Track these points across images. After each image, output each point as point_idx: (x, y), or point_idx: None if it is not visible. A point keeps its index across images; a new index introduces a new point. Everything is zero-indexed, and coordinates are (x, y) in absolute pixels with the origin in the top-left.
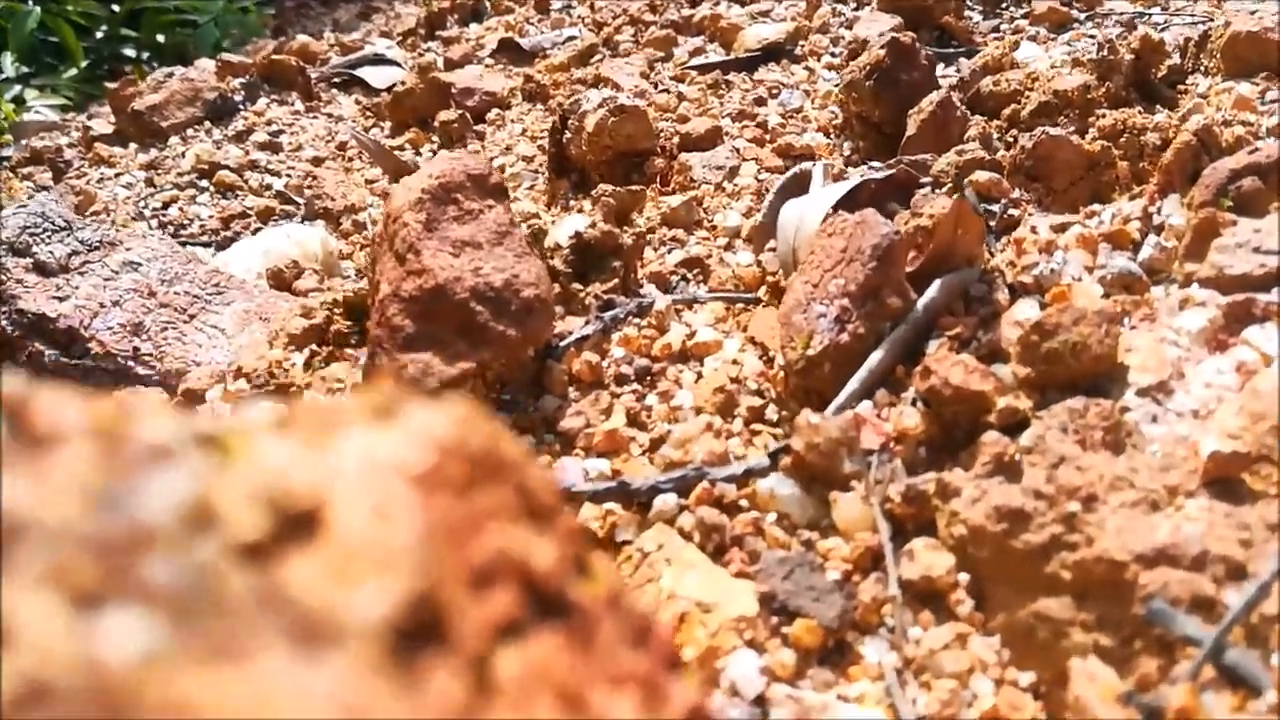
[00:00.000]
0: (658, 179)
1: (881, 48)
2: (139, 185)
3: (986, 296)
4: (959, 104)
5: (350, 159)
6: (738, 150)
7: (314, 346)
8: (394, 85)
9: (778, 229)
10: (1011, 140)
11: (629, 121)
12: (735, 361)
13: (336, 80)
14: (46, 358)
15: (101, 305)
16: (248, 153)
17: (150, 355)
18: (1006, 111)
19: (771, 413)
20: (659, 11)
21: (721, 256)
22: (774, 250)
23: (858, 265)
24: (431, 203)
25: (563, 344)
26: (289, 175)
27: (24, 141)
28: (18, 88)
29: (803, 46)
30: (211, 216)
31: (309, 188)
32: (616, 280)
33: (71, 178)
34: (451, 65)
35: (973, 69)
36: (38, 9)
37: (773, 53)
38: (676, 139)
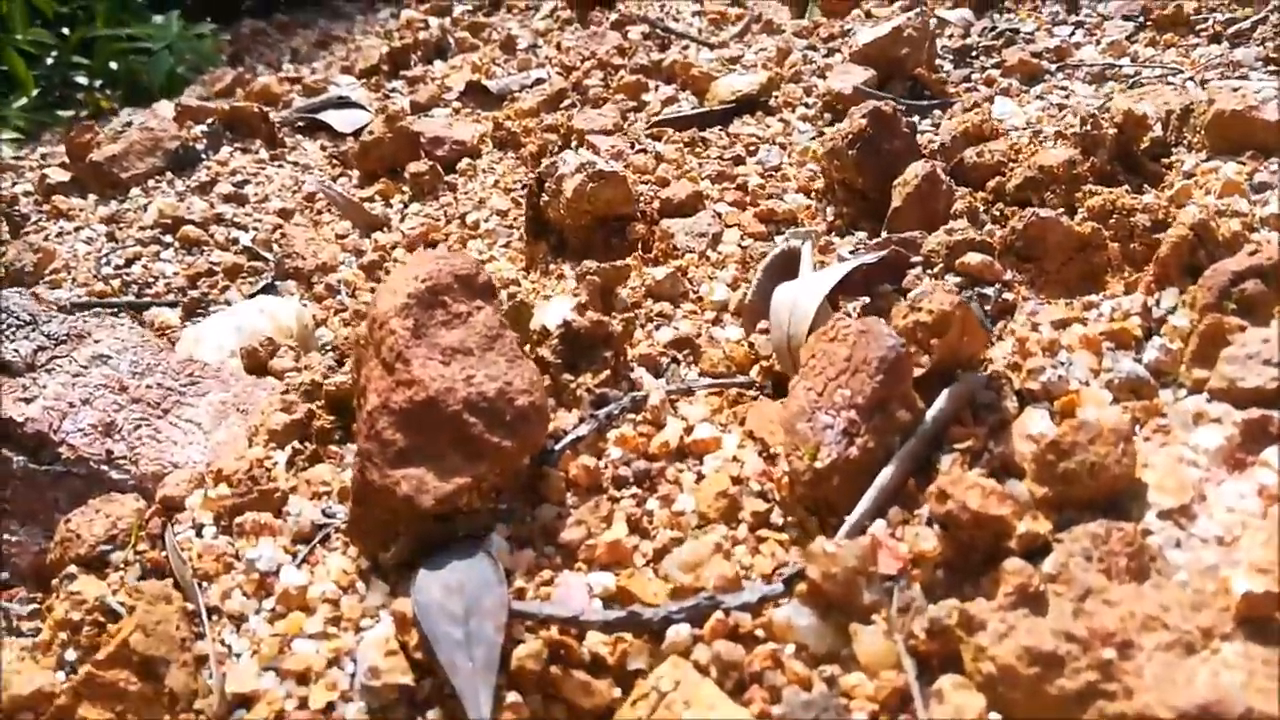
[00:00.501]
0: (639, 246)
1: (863, 116)
2: (100, 240)
3: (995, 404)
4: (944, 176)
5: (319, 211)
6: (719, 215)
7: (296, 444)
8: (360, 130)
9: (771, 313)
10: (999, 215)
11: (608, 187)
12: (735, 459)
13: (300, 124)
14: (15, 464)
15: (71, 405)
16: (212, 205)
17: (124, 458)
18: (991, 184)
19: (777, 517)
20: (628, 55)
21: (710, 334)
22: (765, 332)
23: (864, 377)
24: (418, 307)
25: (558, 446)
26: (256, 229)
27: None
28: None
29: (776, 97)
30: (177, 274)
31: (278, 244)
32: (608, 371)
33: (29, 232)
34: (418, 108)
35: (953, 135)
36: None
37: (746, 104)
38: (657, 204)
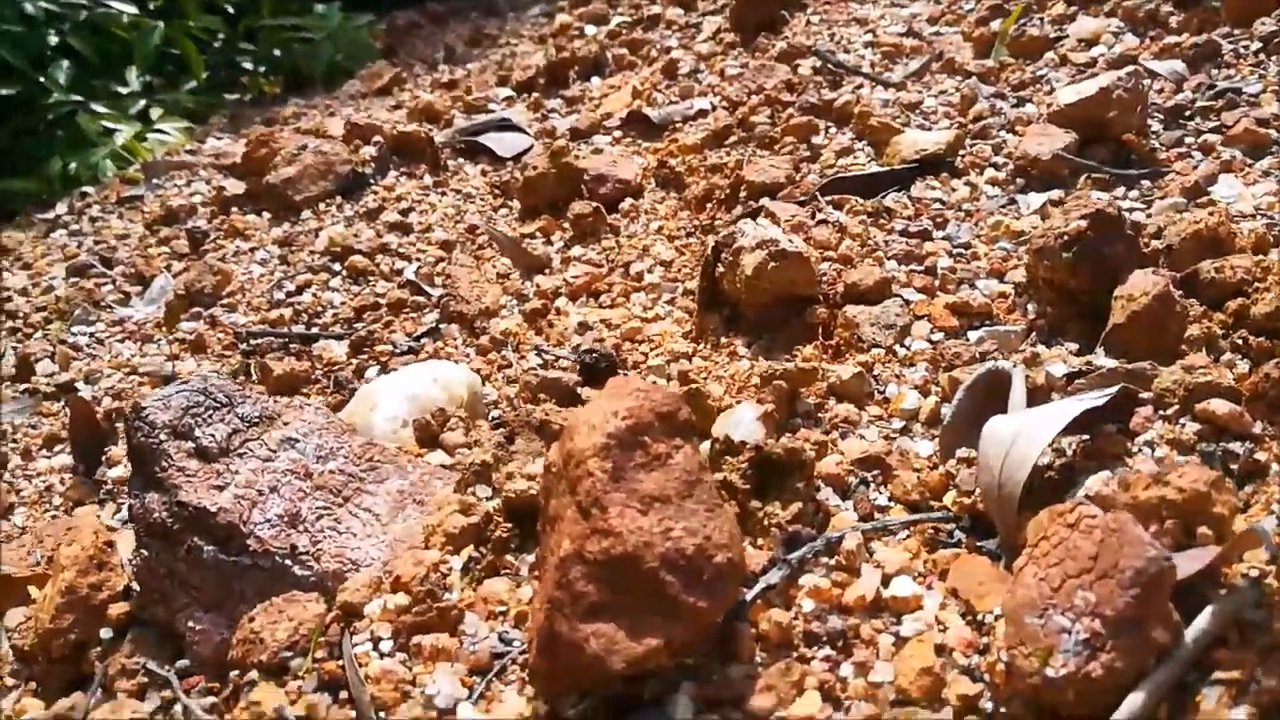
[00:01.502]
0: (820, 330)
1: (1083, 217)
2: (273, 263)
3: (1265, 623)
4: (1177, 297)
5: (480, 246)
6: (908, 304)
7: (472, 550)
8: (520, 155)
9: (980, 450)
10: (1241, 345)
11: (791, 268)
12: (939, 623)
13: (462, 145)
14: (205, 553)
15: (260, 493)
16: (379, 234)
17: (307, 554)
18: (1233, 306)
19: (986, 702)
20: (797, 92)
21: (900, 448)
22: (967, 462)
23: (1114, 586)
24: (618, 449)
25: (749, 596)
26: (419, 260)
27: (154, 181)
28: (142, 102)
29: (962, 156)
30: (344, 304)
31: (441, 280)
32: (799, 505)
33: (208, 250)
34: (578, 135)
35: (1182, 237)
36: (161, 25)
37: (931, 163)
38: (840, 286)
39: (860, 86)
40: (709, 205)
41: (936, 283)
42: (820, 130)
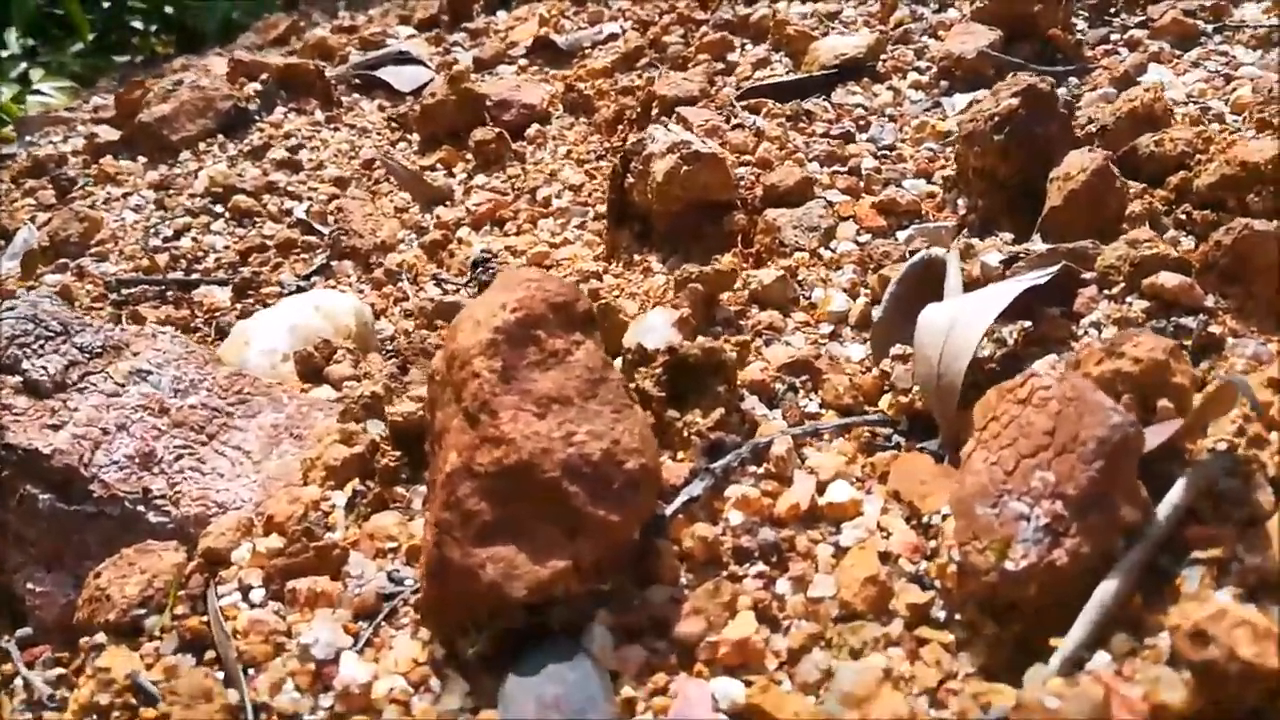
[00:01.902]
0: (739, 238)
1: (1014, 95)
2: (148, 208)
3: (1242, 495)
4: (1115, 171)
5: (377, 180)
6: (831, 205)
7: (357, 483)
8: (420, 89)
9: (916, 341)
10: (1186, 220)
11: (705, 171)
12: (881, 529)
13: (357, 81)
14: (41, 503)
15: (105, 432)
16: (265, 172)
17: (163, 497)
18: (1174, 180)
19: (938, 610)
20: (710, 8)
21: (830, 353)
22: (902, 359)
23: (1075, 461)
24: (507, 345)
25: (669, 510)
26: (311, 199)
27: (28, 138)
28: (23, 65)
29: (884, 61)
30: (228, 248)
31: (334, 217)
32: (721, 411)
33: (76, 198)
34: (482, 65)
35: (1117, 116)
36: None
37: (851, 69)
38: (759, 190)
39: (777, 1)
40: (619, 127)
41: (861, 184)
42: (736, 47)
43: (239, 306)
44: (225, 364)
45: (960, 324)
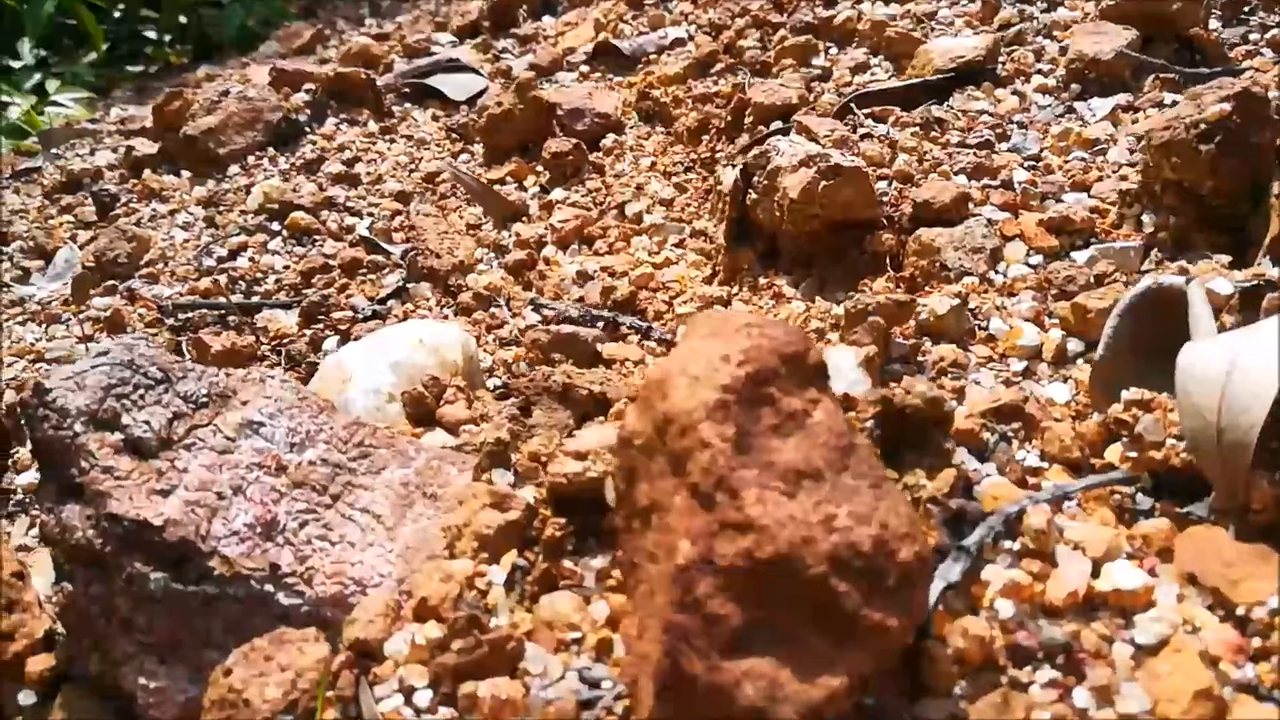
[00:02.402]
0: (886, 261)
1: (1226, 99)
2: (198, 226)
3: None
4: None
5: (442, 195)
6: (993, 224)
7: (515, 556)
8: (475, 98)
9: (1180, 388)
10: None
11: (846, 186)
12: (1186, 623)
13: (406, 90)
14: (152, 583)
15: (220, 497)
16: (321, 187)
17: (293, 574)
18: None
19: None
20: (787, 11)
21: (1034, 395)
22: (1139, 404)
23: None
24: (739, 406)
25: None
26: (372, 215)
27: (54, 151)
28: (37, 76)
29: (1003, 64)
30: (287, 268)
31: (405, 235)
32: (951, 471)
33: (119, 215)
34: (539, 73)
35: None
36: None
37: (968, 73)
38: (907, 208)
39: (860, 2)
40: (705, 137)
41: (1017, 198)
42: (820, 51)
43: (308, 333)
44: (333, 405)
45: (1243, 369)
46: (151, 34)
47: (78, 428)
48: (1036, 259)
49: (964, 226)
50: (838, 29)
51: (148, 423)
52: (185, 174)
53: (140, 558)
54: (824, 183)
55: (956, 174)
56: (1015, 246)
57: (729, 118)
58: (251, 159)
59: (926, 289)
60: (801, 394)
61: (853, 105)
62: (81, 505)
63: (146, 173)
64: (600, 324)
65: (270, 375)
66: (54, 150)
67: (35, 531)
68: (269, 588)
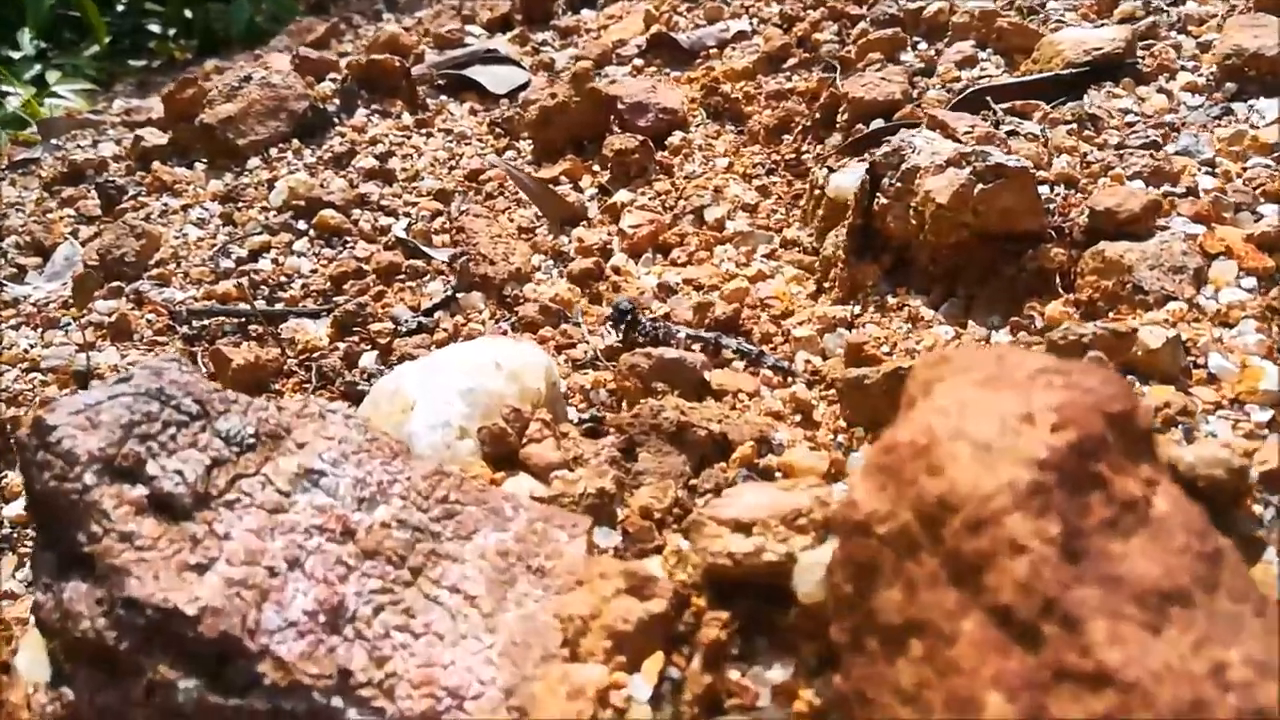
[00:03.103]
0: (1055, 278)
1: None
2: (214, 223)
3: None
4: None
5: (488, 195)
6: (1193, 239)
7: (664, 663)
8: (516, 91)
9: None
10: None
11: (1008, 190)
12: None
13: (441, 81)
14: (182, 694)
15: (272, 573)
16: (353, 183)
17: (369, 682)
18: None
19: None
20: (866, 3)
21: None
22: None
23: None
24: (1061, 490)
25: None
26: (409, 215)
27: (54, 142)
28: (37, 67)
29: (1143, 58)
30: (315, 272)
31: (449, 236)
32: (1271, 567)
33: (127, 209)
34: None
35: None
36: None
37: (1104, 68)
38: (1080, 218)
39: None
40: (786, 137)
41: (1208, 208)
42: (907, 45)
43: (341, 346)
44: (406, 448)
45: None
46: (155, 28)
47: (88, 479)
48: (1250, 281)
49: (1158, 240)
50: (927, 21)
51: (179, 473)
52: (200, 166)
53: (167, 658)
54: (980, 186)
55: (1130, 179)
56: (1223, 266)
57: (817, 115)
58: (274, 151)
59: (1111, 315)
60: (1135, 472)
61: (989, 99)
62: (90, 584)
63: (156, 164)
64: (698, 346)
65: (331, 410)
66: (54, 141)
67: (25, 572)
68: (338, 702)
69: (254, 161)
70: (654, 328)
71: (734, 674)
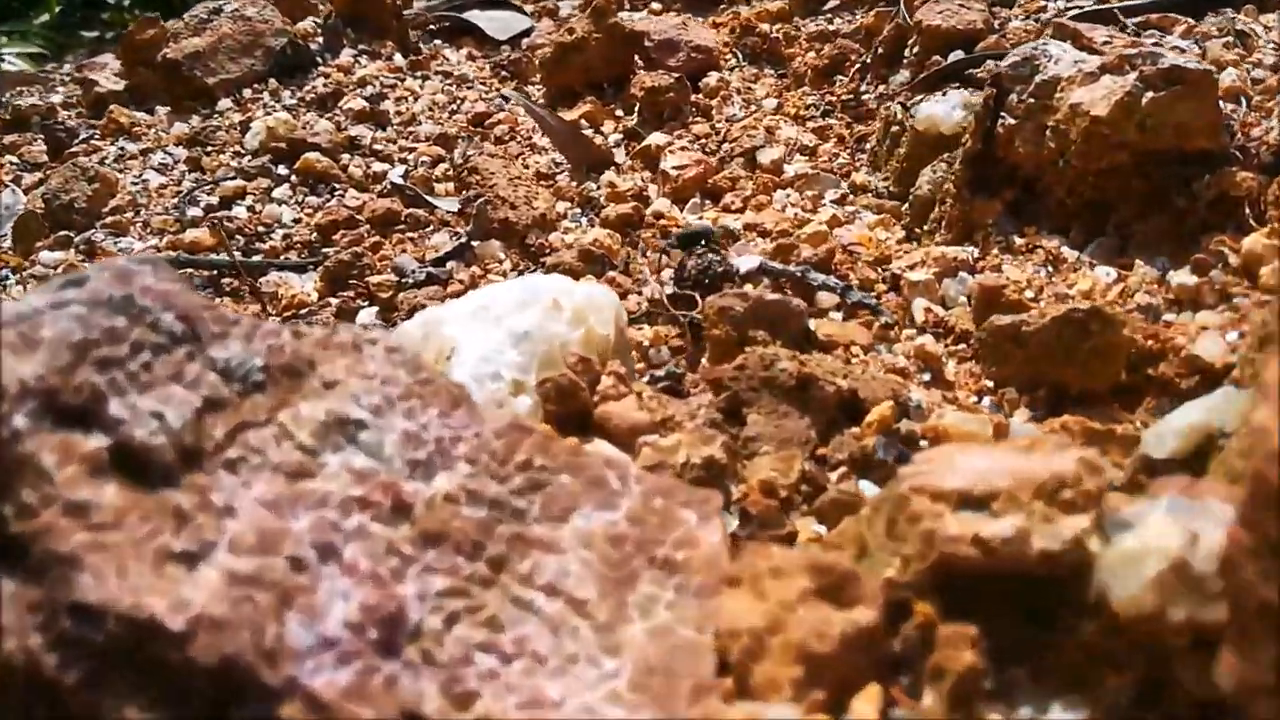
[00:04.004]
0: (1245, 211)
1: None
2: (179, 168)
3: None
4: None
5: (499, 139)
6: None
7: (880, 697)
8: (519, 37)
9: None
10: None
11: (1186, 101)
12: None
13: (433, 26)
14: None
15: (298, 566)
16: (340, 126)
17: None
18: None
19: None
20: None
21: None
22: None
23: None
24: None
25: None
26: (406, 161)
27: (3, 98)
28: None
29: None
30: (299, 221)
31: (453, 182)
32: None
33: (78, 153)
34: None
35: None
36: None
37: None
38: (1271, 134)
39: None
40: (840, 78)
41: None
42: None
43: (333, 302)
44: (465, 392)
45: None
46: None
47: (19, 422)
48: None
49: None
50: None
51: (158, 416)
52: (162, 109)
53: (140, 697)
54: (1149, 94)
55: None
56: None
57: (879, 50)
58: (248, 92)
59: None
60: None
61: (1118, 13)
62: (20, 582)
63: (115, 109)
64: (789, 286)
65: (369, 339)
66: (3, 98)
67: None
68: None
69: (225, 103)
70: (721, 266)
71: (987, 711)
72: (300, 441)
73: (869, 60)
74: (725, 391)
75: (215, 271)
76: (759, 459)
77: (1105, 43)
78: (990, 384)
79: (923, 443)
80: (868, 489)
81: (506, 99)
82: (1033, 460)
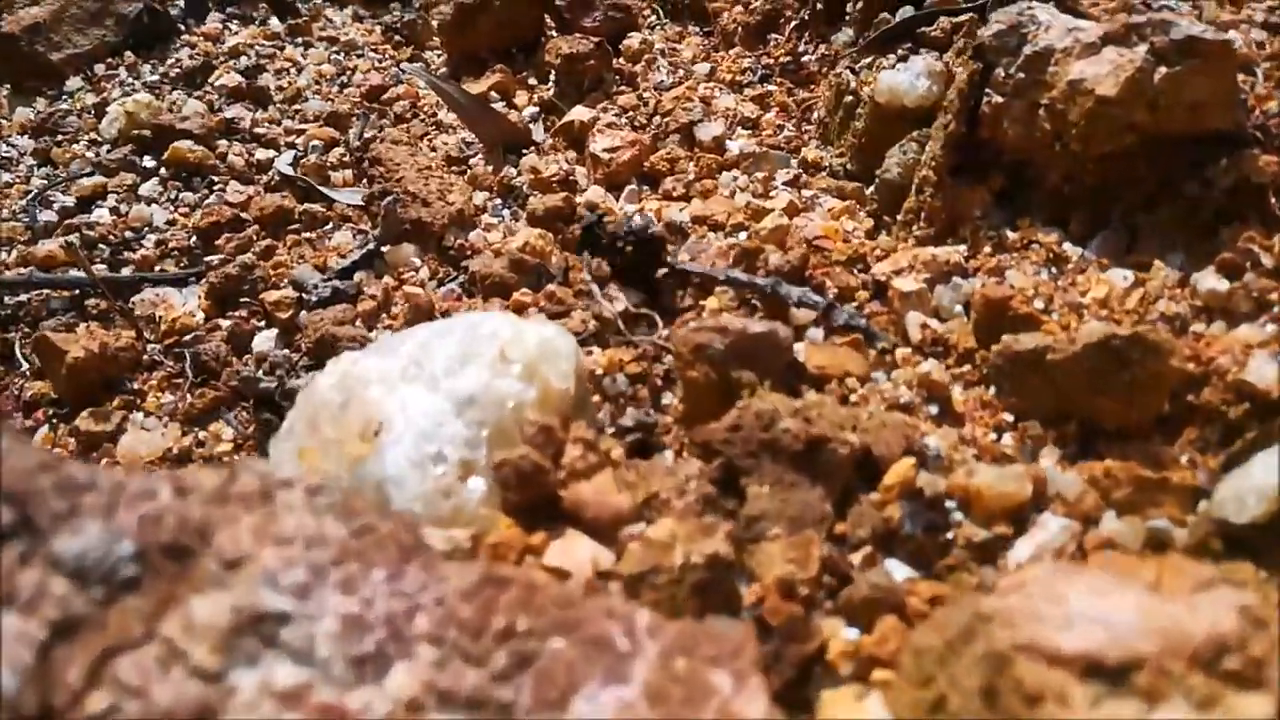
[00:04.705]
0: (1270, 199)
1: None
2: (24, 163)
3: None
4: None
5: (399, 118)
6: None
7: None
8: None
9: None
10: None
11: (1203, 76)
12: None
13: None
14: None
15: None
16: (214, 106)
17: None
18: None
19: None
20: None
21: None
22: None
23: None
24: None
25: None
26: (295, 146)
27: None
28: None
29: None
30: (174, 224)
31: (352, 171)
32: None
33: None
34: None
35: None
36: None
37: None
38: None
39: None
40: (774, 36)
41: None
42: None
43: (224, 325)
44: (370, 501)
45: None
46: None
47: None
48: None
49: None
50: None
51: None
52: (1, 93)
53: None
54: (1162, 69)
55: None
56: None
57: (818, 6)
58: (101, 68)
59: None
60: None
61: None
62: None
63: None
64: (757, 305)
65: (282, 481)
66: None
67: None
68: None
69: (75, 81)
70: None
71: None
72: (196, 663)
73: (806, 17)
74: (718, 458)
75: (76, 291)
76: (767, 545)
77: (1093, 3)
78: (1009, 417)
79: (949, 503)
80: (896, 570)
81: (404, 70)
82: (1170, 604)
